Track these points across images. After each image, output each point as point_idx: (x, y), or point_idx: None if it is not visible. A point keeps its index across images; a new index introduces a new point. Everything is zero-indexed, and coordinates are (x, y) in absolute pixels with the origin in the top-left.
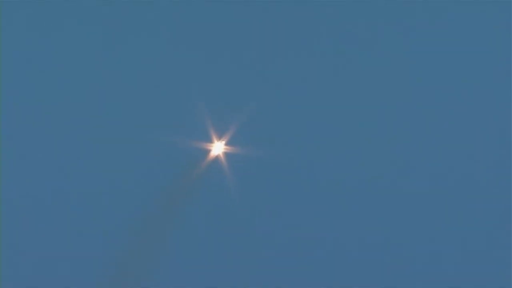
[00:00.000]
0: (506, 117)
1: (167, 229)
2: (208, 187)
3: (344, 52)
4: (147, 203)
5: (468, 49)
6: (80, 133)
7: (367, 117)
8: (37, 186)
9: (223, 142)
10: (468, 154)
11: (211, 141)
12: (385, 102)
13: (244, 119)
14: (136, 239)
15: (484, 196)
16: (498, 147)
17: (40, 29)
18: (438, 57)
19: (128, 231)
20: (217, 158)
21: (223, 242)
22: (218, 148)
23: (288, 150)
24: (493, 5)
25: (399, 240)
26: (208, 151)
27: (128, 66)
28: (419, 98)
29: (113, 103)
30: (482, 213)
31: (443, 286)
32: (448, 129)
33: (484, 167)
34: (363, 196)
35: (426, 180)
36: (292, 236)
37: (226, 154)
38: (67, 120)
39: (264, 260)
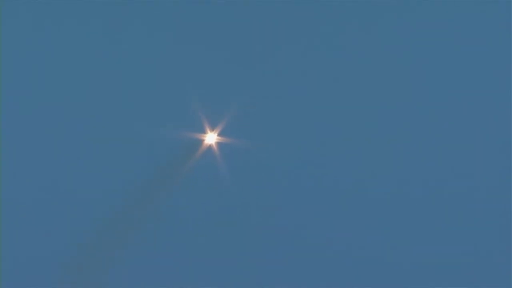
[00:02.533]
0: (506, 118)
1: (159, 217)
2: (201, 176)
3: (341, 48)
4: (140, 191)
5: (468, 49)
6: (70, 124)
7: (363, 113)
8: (30, 181)
9: (216, 133)
10: (468, 155)
11: (204, 132)
12: (382, 100)
13: (238, 110)
14: (128, 229)
15: (484, 198)
16: (498, 149)
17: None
18: (438, 57)
19: (120, 222)
20: (210, 148)
21: (216, 231)
22: (211, 138)
23: (282, 142)
24: (493, 5)
25: (395, 239)
26: (201, 142)
27: (121, 58)
28: (417, 98)
29: (105, 95)
30: (482, 214)
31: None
32: (448, 130)
33: (485, 168)
34: (358, 188)
35: (421, 179)
36: (284, 228)
37: (218, 144)
38: (58, 112)
39: (254, 251)
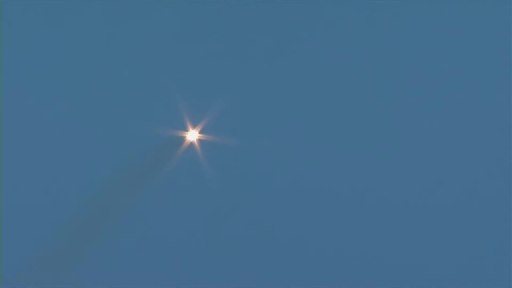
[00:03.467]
0: (506, 118)
1: (139, 215)
2: (182, 173)
3: (328, 44)
4: (121, 188)
5: (468, 49)
6: (49, 120)
7: (354, 108)
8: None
9: (198, 130)
10: (468, 156)
11: (185, 129)
12: (379, 99)
13: (219, 107)
14: (106, 227)
15: (484, 198)
16: (498, 149)
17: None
18: (437, 57)
19: (99, 219)
20: (191, 145)
21: (197, 229)
22: (192, 135)
23: (266, 139)
24: (493, 5)
25: (394, 239)
26: (182, 139)
27: (103, 56)
28: (416, 98)
29: (87, 92)
30: (482, 214)
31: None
32: (447, 130)
33: (485, 168)
34: (348, 186)
35: (421, 179)
36: (267, 226)
37: (200, 141)
38: (36, 106)
39: (235, 250)
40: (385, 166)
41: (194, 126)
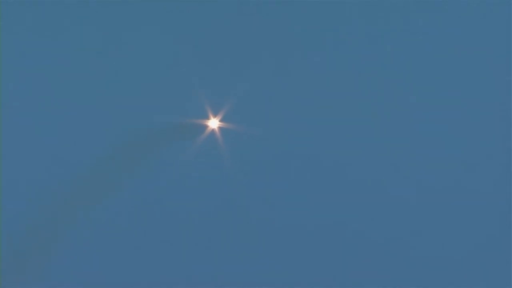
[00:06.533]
0: (506, 118)
1: (160, 202)
2: (204, 160)
3: (343, 39)
4: (143, 175)
5: (467, 49)
6: (72, 110)
7: (363, 105)
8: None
9: (218, 119)
10: (468, 156)
11: (207, 118)
12: (382, 95)
13: (239, 96)
14: (132, 213)
15: (484, 198)
16: (498, 152)
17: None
18: (438, 57)
19: (123, 202)
20: (212, 133)
21: (219, 215)
22: (213, 124)
23: (286, 128)
24: (493, 5)
25: (396, 238)
26: (203, 127)
27: (125, 47)
28: (414, 99)
29: (111, 83)
30: (483, 214)
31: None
32: (447, 131)
33: (485, 168)
34: (358, 172)
35: (423, 178)
36: (285, 214)
37: (221, 129)
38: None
39: (254, 240)
40: (390, 161)
41: (215, 115)
